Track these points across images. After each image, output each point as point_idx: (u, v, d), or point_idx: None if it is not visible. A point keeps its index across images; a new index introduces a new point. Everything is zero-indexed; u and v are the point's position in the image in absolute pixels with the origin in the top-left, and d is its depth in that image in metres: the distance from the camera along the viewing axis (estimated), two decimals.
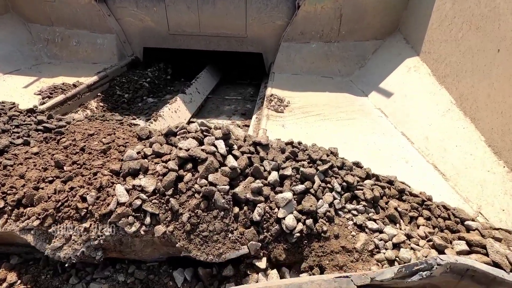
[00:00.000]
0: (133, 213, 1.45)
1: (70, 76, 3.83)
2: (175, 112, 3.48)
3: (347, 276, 1.18)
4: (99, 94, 3.84)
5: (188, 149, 1.60)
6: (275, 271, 1.51)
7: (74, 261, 1.45)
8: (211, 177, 1.53)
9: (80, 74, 3.90)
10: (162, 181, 1.50)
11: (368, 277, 1.20)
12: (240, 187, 1.56)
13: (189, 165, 1.57)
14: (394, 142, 2.66)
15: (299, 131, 2.85)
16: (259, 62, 4.60)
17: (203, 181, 1.51)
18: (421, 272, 1.26)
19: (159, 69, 4.71)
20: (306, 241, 1.51)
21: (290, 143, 1.86)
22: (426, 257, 1.36)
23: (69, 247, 1.45)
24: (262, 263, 1.49)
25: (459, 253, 1.42)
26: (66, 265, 1.47)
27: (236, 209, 1.52)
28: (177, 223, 1.46)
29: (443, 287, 1.42)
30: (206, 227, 1.46)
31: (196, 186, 1.51)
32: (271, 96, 3.41)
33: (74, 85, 3.57)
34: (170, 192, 1.49)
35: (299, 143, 1.88)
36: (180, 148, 1.62)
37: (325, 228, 1.51)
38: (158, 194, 1.50)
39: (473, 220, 1.59)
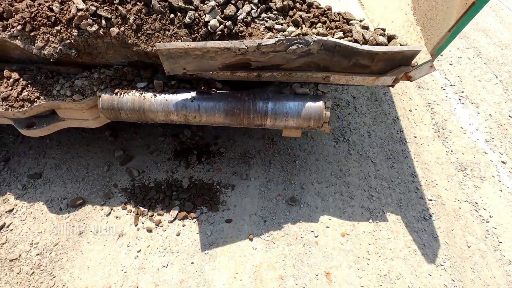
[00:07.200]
0: (91, 17, 1.90)
1: None
2: None
3: (241, 42, 1.72)
4: None
5: None
6: None
7: (56, 57, 1.98)
8: None
9: None
10: None
11: (256, 42, 1.74)
12: None
13: None
14: None
15: None
16: None
17: None
18: (298, 44, 1.81)
19: None
20: (227, 39, 2.01)
21: None
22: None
23: (49, 46, 1.96)
24: None
25: (338, 38, 1.95)
26: (51, 60, 2.01)
27: (172, 15, 1.96)
28: (126, 25, 1.93)
29: (323, 64, 2.01)
30: (148, 27, 1.93)
31: None
32: None
33: None
34: (117, 0, 1.91)
35: None
36: None
37: (241, 29, 2.00)
38: (107, 3, 1.92)
39: (359, 20, 2.07)
